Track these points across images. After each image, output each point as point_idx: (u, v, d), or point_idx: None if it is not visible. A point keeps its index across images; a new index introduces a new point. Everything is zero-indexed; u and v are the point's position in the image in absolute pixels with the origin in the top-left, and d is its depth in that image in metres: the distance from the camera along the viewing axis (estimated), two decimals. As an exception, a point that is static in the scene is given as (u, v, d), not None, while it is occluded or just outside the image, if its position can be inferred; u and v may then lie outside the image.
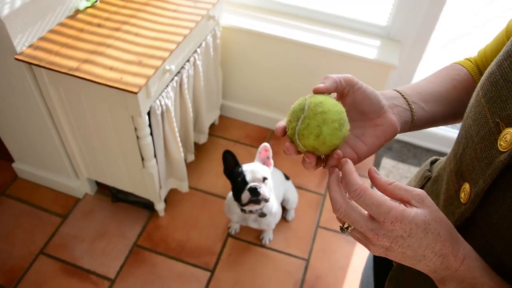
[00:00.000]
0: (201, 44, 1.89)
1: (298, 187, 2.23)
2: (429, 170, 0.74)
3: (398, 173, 2.37)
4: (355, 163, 0.57)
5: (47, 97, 1.65)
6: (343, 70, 2.08)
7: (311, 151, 0.55)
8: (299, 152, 0.57)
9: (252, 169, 1.66)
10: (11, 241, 1.96)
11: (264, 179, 1.65)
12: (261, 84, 2.36)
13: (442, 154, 2.38)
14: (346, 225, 0.55)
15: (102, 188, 2.18)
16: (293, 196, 2.05)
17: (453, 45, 3.13)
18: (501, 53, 0.54)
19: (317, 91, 0.55)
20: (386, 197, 0.50)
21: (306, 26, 2.13)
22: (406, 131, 0.67)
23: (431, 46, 2.11)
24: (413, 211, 0.49)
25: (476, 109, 0.55)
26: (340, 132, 0.54)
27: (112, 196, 2.12)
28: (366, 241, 0.53)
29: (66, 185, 2.10)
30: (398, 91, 0.66)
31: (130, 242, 1.99)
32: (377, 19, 2.12)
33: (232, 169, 1.72)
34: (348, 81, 0.57)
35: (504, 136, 0.49)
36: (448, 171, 0.62)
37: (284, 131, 0.57)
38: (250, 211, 1.73)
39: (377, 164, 2.44)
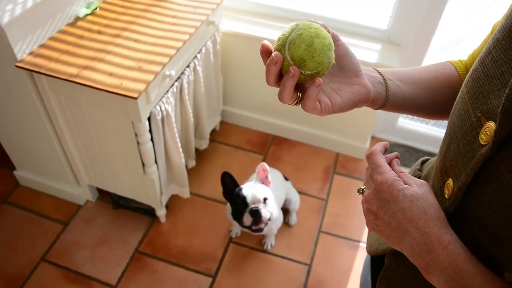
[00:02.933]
0: (201, 49, 1.90)
1: (300, 192, 2.22)
2: (420, 170, 0.75)
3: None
4: (329, 112, 0.62)
5: (47, 104, 1.65)
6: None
7: (297, 65, 0.56)
8: (280, 75, 0.59)
9: (252, 191, 1.66)
10: (12, 248, 1.95)
11: (265, 199, 1.65)
12: (262, 89, 2.36)
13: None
14: (362, 186, 0.64)
15: (103, 195, 2.18)
16: (294, 196, 2.05)
17: (455, 49, 3.13)
18: (483, 51, 0.56)
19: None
20: (388, 166, 0.58)
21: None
22: (381, 106, 0.70)
23: (431, 50, 2.11)
24: (405, 185, 0.55)
25: (460, 105, 0.57)
26: (329, 52, 0.57)
27: (113, 202, 2.12)
28: (364, 204, 0.60)
29: (68, 192, 2.10)
30: (374, 68, 0.70)
31: (131, 248, 1.98)
32: (377, 23, 2.12)
33: (231, 190, 1.71)
34: (335, 34, 0.61)
35: (485, 130, 0.50)
36: (434, 169, 0.64)
37: (268, 47, 0.59)
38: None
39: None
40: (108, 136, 1.69)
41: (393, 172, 0.57)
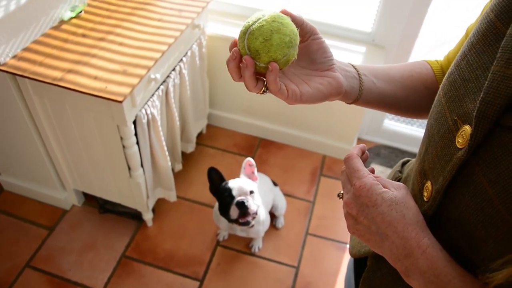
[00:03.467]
0: (186, 53, 1.90)
1: (287, 194, 2.23)
2: (400, 171, 0.76)
3: (386, 179, 2.38)
4: (296, 100, 0.61)
5: (32, 108, 1.64)
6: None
7: (252, 56, 0.57)
8: (240, 58, 0.59)
9: (239, 184, 1.66)
10: (-4, 255, 1.93)
11: (251, 192, 1.65)
12: (248, 92, 2.35)
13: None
14: (342, 191, 0.63)
15: (90, 200, 2.16)
16: (281, 202, 2.05)
17: (438, 50, 3.16)
18: (459, 54, 0.56)
19: (284, 12, 0.59)
20: (366, 170, 0.58)
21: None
22: (354, 100, 0.70)
23: (416, 52, 2.13)
24: (384, 189, 0.55)
25: (437, 108, 0.57)
26: (287, 50, 0.56)
27: (100, 207, 2.11)
28: (344, 209, 0.59)
29: (53, 197, 2.08)
30: (349, 63, 0.71)
31: (118, 253, 1.97)
32: (362, 25, 2.14)
33: (217, 186, 1.71)
34: (312, 29, 0.62)
35: (461, 133, 0.50)
36: (414, 171, 0.64)
37: (236, 41, 0.60)
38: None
39: (365, 170, 2.44)
40: (93, 140, 1.68)
41: (371, 176, 0.57)
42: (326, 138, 2.44)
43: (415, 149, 2.53)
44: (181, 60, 1.86)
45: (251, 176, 1.77)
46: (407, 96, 0.75)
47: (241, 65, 0.58)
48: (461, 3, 3.52)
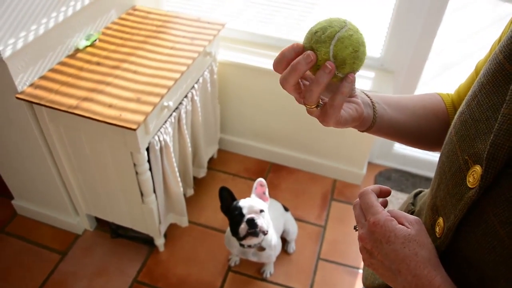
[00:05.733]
0: (198, 80, 1.93)
1: (298, 219, 2.23)
2: (413, 204, 0.76)
3: (398, 203, 2.37)
4: (337, 122, 0.61)
5: (47, 134, 1.67)
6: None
7: (336, 64, 0.54)
8: (300, 54, 0.56)
9: (249, 203, 1.67)
10: (9, 279, 1.94)
11: (261, 211, 1.66)
12: (259, 117, 2.38)
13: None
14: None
15: (102, 224, 2.17)
16: (292, 227, 2.05)
17: (447, 73, 3.18)
18: (469, 94, 0.57)
19: None
20: (380, 206, 0.59)
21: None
22: (368, 128, 0.71)
23: (425, 76, 2.14)
24: (398, 225, 0.55)
25: (448, 146, 0.58)
26: (363, 63, 0.56)
27: (112, 232, 2.12)
28: (359, 243, 0.60)
29: (66, 222, 2.10)
30: (362, 91, 0.71)
31: (130, 278, 1.97)
32: (371, 51, 2.16)
33: (228, 205, 1.73)
34: None
35: (472, 173, 0.51)
36: (426, 205, 0.65)
37: (300, 45, 0.57)
38: (249, 246, 1.72)
39: (376, 194, 2.43)
40: (107, 166, 1.70)
41: (385, 212, 0.58)
42: (337, 163, 2.44)
43: (426, 173, 2.53)
44: (193, 87, 1.89)
45: (261, 196, 1.78)
46: (419, 126, 0.75)
47: (320, 70, 0.55)
48: (470, 27, 3.54)
